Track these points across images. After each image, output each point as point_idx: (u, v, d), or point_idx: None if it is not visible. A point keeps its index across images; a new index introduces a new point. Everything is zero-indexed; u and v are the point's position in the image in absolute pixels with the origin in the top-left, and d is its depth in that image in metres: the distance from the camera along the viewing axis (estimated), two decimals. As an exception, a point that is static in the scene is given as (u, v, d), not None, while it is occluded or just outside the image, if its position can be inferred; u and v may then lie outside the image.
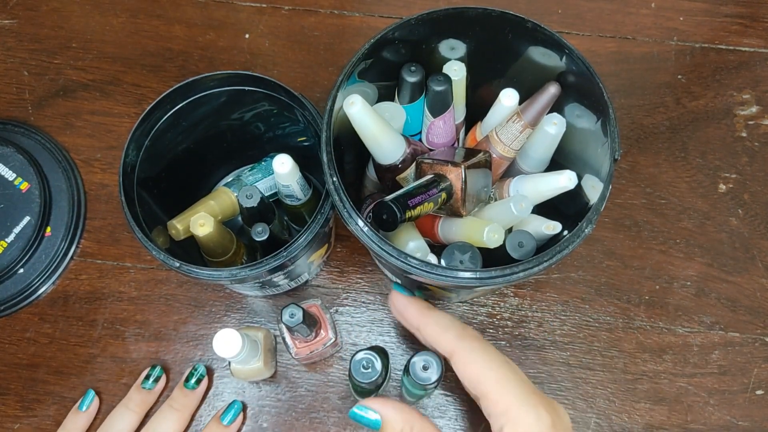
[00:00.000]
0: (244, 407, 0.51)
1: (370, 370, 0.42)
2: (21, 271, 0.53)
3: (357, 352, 0.42)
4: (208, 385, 0.51)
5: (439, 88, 0.40)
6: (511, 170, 0.45)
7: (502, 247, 0.39)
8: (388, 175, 0.43)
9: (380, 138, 0.40)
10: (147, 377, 0.50)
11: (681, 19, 0.61)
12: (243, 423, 0.51)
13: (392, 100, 0.44)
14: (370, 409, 0.37)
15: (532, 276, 0.35)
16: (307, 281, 0.53)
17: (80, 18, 0.61)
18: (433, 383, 0.40)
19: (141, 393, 0.49)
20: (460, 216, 0.40)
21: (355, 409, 0.37)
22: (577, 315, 0.53)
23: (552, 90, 0.39)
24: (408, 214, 0.36)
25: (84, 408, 0.49)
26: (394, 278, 0.51)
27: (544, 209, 0.42)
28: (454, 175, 0.39)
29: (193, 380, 0.49)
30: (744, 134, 0.57)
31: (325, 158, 0.37)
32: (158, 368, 0.50)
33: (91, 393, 0.50)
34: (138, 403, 0.49)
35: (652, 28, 0.60)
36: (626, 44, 0.60)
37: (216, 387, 0.52)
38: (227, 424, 0.49)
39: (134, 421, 0.48)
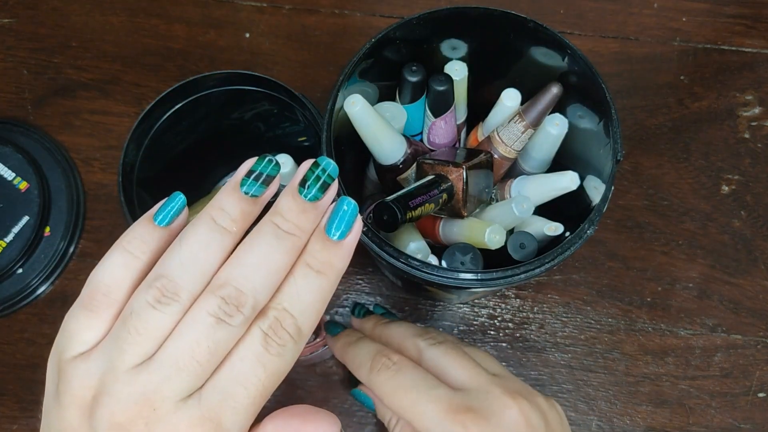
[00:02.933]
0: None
1: None
2: (20, 271, 0.53)
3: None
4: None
5: (440, 88, 0.40)
6: (513, 171, 0.45)
7: (504, 248, 0.39)
8: (389, 175, 0.43)
9: (381, 138, 0.40)
10: (250, 173, 0.26)
11: (684, 19, 0.60)
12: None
13: (393, 100, 0.44)
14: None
15: (533, 277, 0.35)
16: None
17: (80, 17, 0.61)
18: None
19: (240, 200, 0.25)
20: (461, 217, 0.40)
21: (359, 388, 0.42)
22: (578, 317, 0.53)
23: (554, 90, 0.39)
24: (409, 214, 0.35)
25: (166, 222, 0.26)
26: (394, 279, 0.51)
27: (546, 210, 0.42)
28: (455, 176, 0.38)
29: (316, 184, 0.26)
30: (747, 135, 0.57)
31: (325, 158, 0.37)
32: (269, 158, 0.26)
33: (181, 199, 0.27)
34: (234, 218, 0.25)
35: (654, 28, 0.60)
36: (628, 45, 0.59)
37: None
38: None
39: (226, 245, 0.25)
